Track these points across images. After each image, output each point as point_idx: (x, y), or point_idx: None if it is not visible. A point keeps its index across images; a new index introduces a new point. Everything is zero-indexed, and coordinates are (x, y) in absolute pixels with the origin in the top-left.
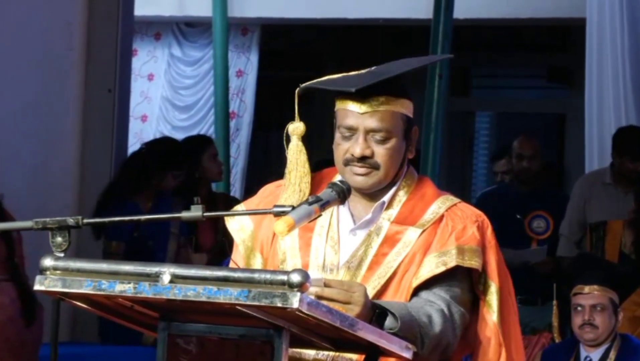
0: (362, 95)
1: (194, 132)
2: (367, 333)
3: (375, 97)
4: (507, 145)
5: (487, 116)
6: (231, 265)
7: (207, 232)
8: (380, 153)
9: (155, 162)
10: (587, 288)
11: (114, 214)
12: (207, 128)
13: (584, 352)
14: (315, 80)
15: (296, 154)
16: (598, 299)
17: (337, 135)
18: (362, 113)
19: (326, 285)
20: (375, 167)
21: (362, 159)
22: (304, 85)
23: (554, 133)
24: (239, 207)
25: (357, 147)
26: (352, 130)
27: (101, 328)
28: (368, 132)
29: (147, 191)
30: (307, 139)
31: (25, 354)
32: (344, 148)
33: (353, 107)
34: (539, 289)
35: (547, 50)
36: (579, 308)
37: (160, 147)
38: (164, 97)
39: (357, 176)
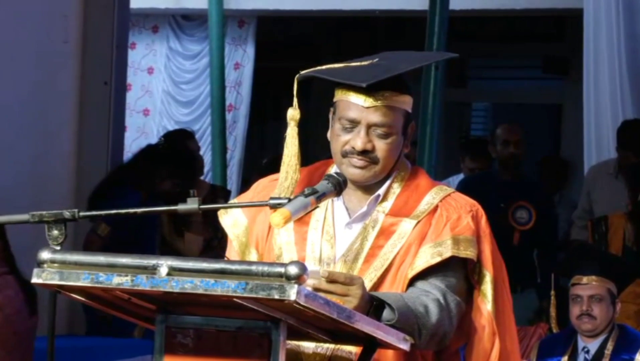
0: (367, 88)
1: (196, 127)
2: (365, 325)
3: (381, 92)
4: None
5: (484, 107)
6: None
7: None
8: (381, 148)
9: (165, 163)
10: (585, 279)
11: (116, 199)
12: (208, 122)
13: (581, 342)
14: (316, 69)
15: (290, 139)
16: (596, 290)
17: (337, 126)
18: (367, 107)
19: (328, 277)
20: (375, 161)
21: (363, 153)
22: (304, 72)
23: (551, 123)
24: (234, 202)
25: (358, 141)
26: (354, 122)
27: (88, 321)
28: (370, 126)
29: (146, 185)
30: (302, 128)
31: (29, 343)
32: (344, 140)
33: (356, 99)
34: (519, 276)
35: (543, 40)
36: (577, 299)
37: (178, 154)
38: (166, 91)
39: (355, 168)
